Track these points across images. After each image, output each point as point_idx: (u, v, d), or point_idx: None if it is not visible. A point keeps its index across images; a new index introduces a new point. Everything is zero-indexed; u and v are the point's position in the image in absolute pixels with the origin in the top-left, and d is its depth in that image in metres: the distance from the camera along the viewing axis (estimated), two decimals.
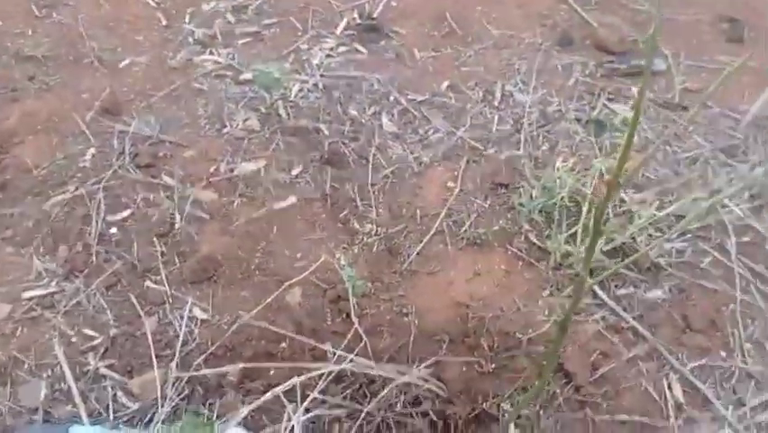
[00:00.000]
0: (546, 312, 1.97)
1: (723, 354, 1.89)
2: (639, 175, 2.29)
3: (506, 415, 1.81)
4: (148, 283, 1.98)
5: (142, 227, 2.10)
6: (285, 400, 1.61)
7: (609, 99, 2.59)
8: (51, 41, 2.72)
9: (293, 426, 1.56)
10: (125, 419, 1.71)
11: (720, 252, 2.10)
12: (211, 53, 2.71)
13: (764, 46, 2.84)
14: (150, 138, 2.35)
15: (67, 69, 2.61)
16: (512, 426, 1.79)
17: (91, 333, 1.87)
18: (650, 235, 2.10)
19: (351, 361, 1.79)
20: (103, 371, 1.80)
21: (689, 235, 2.12)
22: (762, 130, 2.48)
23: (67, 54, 2.67)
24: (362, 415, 1.78)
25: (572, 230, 2.09)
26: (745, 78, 2.68)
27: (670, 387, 1.82)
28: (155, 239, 2.08)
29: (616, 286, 2.04)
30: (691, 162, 2.36)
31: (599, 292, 2.01)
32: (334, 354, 1.85)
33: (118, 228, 2.10)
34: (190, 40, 2.76)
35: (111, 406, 1.74)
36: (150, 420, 1.70)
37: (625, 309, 1.97)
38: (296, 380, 1.67)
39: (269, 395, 1.65)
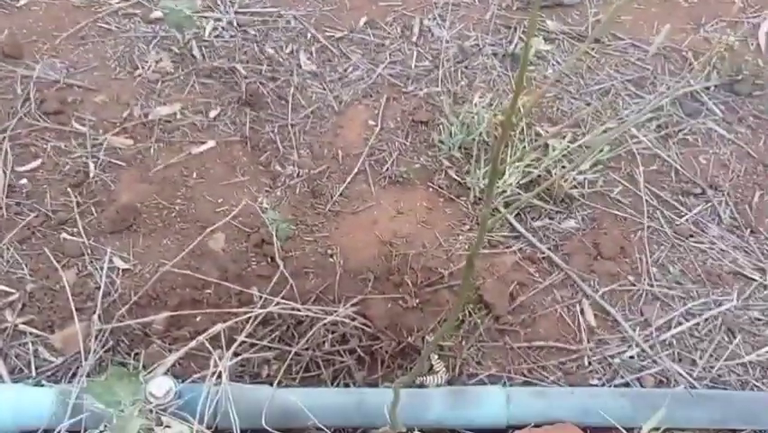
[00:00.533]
0: (467, 246, 2.03)
1: (631, 278, 1.99)
2: (554, 108, 2.35)
3: (429, 346, 1.87)
4: (64, 235, 1.93)
5: (54, 177, 2.04)
6: (211, 346, 1.63)
7: (525, 33, 2.62)
8: None
9: (220, 371, 1.58)
10: (48, 374, 1.69)
11: (629, 181, 2.19)
12: None
13: None
14: (56, 83, 2.25)
15: None
16: (435, 356, 1.86)
17: (7, 289, 1.82)
18: (564, 167, 2.17)
19: (277, 304, 1.81)
20: (22, 327, 1.76)
21: (600, 166, 2.19)
22: (668, 61, 2.56)
23: None
24: (291, 355, 1.81)
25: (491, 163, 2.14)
26: (654, 9, 2.75)
27: (582, 312, 1.92)
28: (69, 189, 2.02)
29: (532, 218, 2.11)
30: (603, 94, 2.43)
31: (516, 225, 2.08)
32: (261, 297, 1.87)
33: (29, 179, 2.02)
34: None
35: (33, 362, 1.71)
36: (75, 375, 1.69)
37: (540, 240, 2.05)
38: (221, 326, 1.69)
39: (194, 343, 1.67)
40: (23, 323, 1.76)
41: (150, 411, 1.46)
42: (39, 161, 2.06)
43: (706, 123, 2.36)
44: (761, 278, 2.01)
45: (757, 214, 2.16)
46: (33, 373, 1.69)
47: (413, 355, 1.87)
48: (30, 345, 1.73)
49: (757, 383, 1.82)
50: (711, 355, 1.86)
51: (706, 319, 1.92)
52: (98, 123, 2.17)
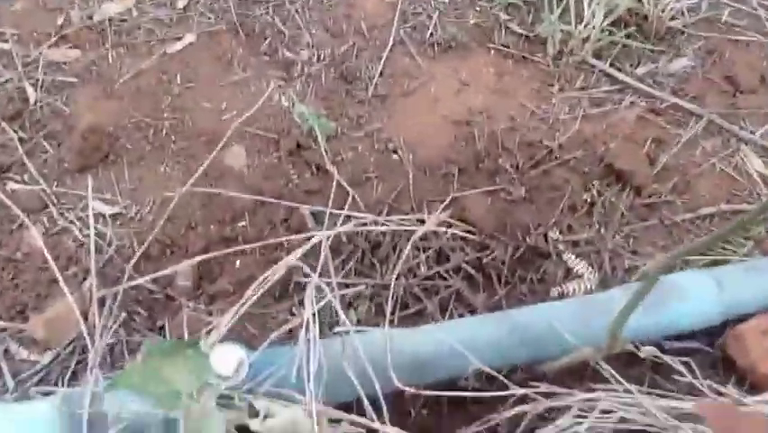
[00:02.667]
0: (567, 109, 1.52)
1: None
2: None
3: (558, 245, 1.36)
4: (12, 186, 1.32)
5: None
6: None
7: None
8: None
9: (307, 321, 1.01)
10: (35, 380, 1.10)
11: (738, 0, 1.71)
12: None
13: None
14: None
15: None
16: (571, 256, 1.35)
17: None
18: None
19: (346, 219, 1.24)
20: None
21: None
22: None
23: None
24: (377, 291, 1.27)
25: (562, 6, 1.61)
26: None
27: (745, 160, 1.43)
28: (5, 125, 1.39)
29: (631, 66, 1.61)
30: None
31: (618, 75, 1.57)
32: (315, 218, 1.31)
33: None
34: None
35: (4, 368, 1.11)
36: (76, 373, 1.10)
37: (653, 87, 1.55)
38: (285, 261, 1.12)
39: (252, 293, 1.08)
40: None
41: (226, 398, 0.89)
42: None
43: None
44: None
45: None
46: (10, 384, 1.08)
47: (536, 260, 1.35)
48: None
49: None
50: None
51: None
52: (25, 36, 1.54)
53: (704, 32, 1.65)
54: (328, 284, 1.11)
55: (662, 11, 1.64)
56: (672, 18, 1.65)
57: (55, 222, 1.26)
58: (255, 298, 1.03)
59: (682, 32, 1.64)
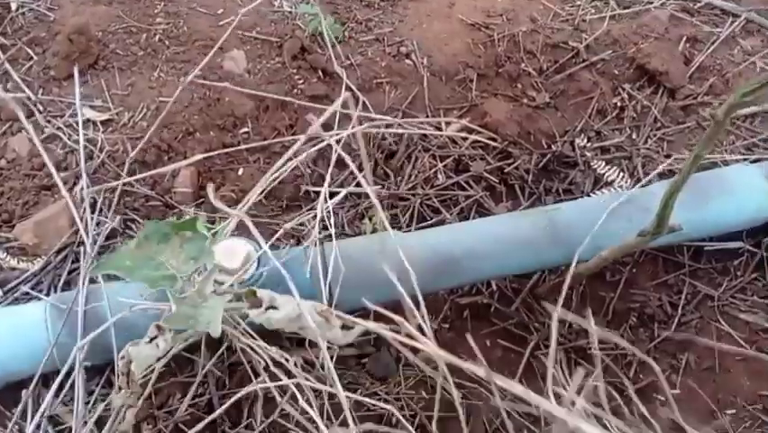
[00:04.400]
0: (594, 10, 1.40)
1: None
2: None
3: (585, 152, 1.25)
4: None
5: None
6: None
7: None
8: None
9: (321, 221, 0.92)
10: (28, 287, 1.00)
11: None
12: None
13: None
14: None
15: None
16: (601, 162, 1.24)
17: None
18: None
19: (358, 123, 1.14)
20: None
21: None
22: None
23: None
24: (393, 202, 1.17)
25: None
26: None
27: None
28: None
29: None
30: None
31: None
32: (326, 122, 1.21)
33: None
34: None
35: None
36: (69, 283, 1.00)
37: None
38: (294, 161, 1.01)
39: (266, 184, 0.98)
40: None
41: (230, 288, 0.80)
42: None
43: None
44: None
45: None
46: None
47: (562, 170, 1.25)
48: None
49: None
50: None
51: None
52: None
53: None
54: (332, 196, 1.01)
55: None
56: None
57: (42, 129, 1.16)
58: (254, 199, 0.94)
59: None
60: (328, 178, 0.92)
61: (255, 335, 0.84)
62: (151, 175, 1.07)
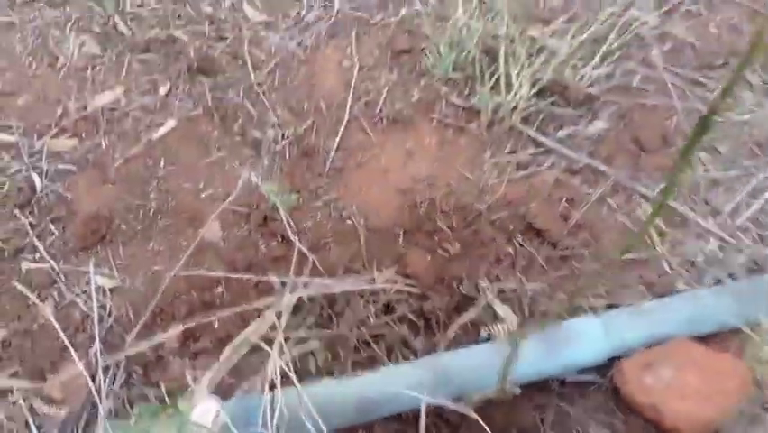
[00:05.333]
0: (496, 174, 1.77)
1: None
2: (542, 7, 2.10)
3: (487, 293, 1.61)
4: (26, 265, 1.57)
5: None
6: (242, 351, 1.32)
7: None
8: None
9: (272, 375, 1.27)
10: (55, 431, 1.35)
11: (647, 66, 1.96)
12: None
13: None
14: None
15: None
16: (497, 302, 1.60)
17: None
18: (574, 67, 1.92)
19: (305, 285, 1.50)
20: (4, 383, 1.41)
21: (611, 58, 1.95)
22: None
23: None
24: (334, 340, 1.52)
25: (494, 80, 1.87)
26: None
27: (643, 214, 1.69)
28: (16, 211, 1.65)
29: (555, 129, 1.86)
30: None
31: (542, 138, 1.82)
32: (283, 283, 1.56)
33: None
34: None
35: (31, 421, 1.37)
36: (89, 425, 1.36)
37: (572, 150, 1.81)
38: (253, 326, 1.37)
39: (230, 353, 1.34)
40: (7, 377, 1.41)
41: None
42: None
43: None
44: None
45: None
46: None
47: (469, 307, 1.60)
48: (21, 401, 1.38)
49: None
50: None
51: None
52: (29, 128, 1.80)
53: (617, 97, 1.90)
54: (287, 340, 1.37)
55: (581, 79, 1.90)
56: (590, 85, 1.90)
57: (63, 296, 1.52)
58: (229, 365, 1.29)
59: (598, 98, 1.89)
60: (280, 336, 1.27)
61: None
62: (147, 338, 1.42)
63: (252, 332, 1.30)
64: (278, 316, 1.45)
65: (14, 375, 1.41)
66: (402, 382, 1.35)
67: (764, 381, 1.41)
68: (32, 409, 1.37)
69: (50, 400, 1.37)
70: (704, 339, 1.46)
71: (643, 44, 2.00)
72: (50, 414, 1.36)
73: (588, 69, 1.91)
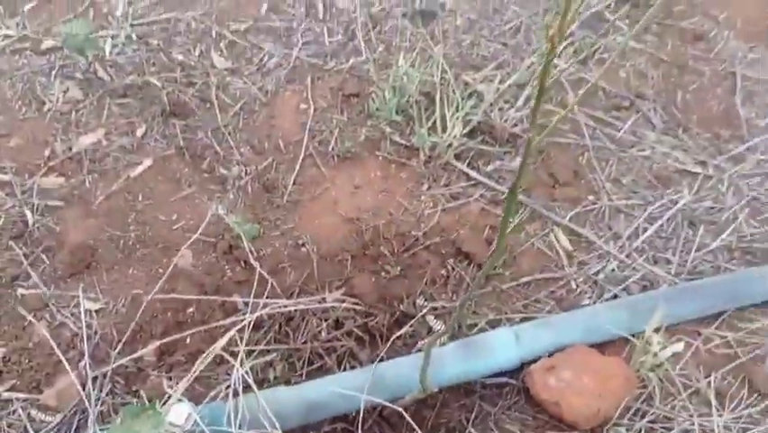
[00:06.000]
0: (432, 205, 2.04)
1: (591, 198, 2.07)
2: (474, 55, 2.38)
3: (423, 310, 1.88)
4: (21, 291, 1.81)
5: None
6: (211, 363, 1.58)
7: None
8: None
9: (235, 383, 1.53)
10: None
11: (564, 108, 2.26)
12: None
13: None
14: None
15: None
16: (432, 317, 1.87)
17: None
18: (500, 109, 2.21)
19: (264, 305, 1.76)
20: (6, 395, 1.65)
21: (533, 100, 2.24)
22: None
23: None
24: (291, 353, 1.78)
25: (432, 121, 2.15)
26: None
27: (557, 240, 1.98)
28: (11, 243, 1.88)
29: (484, 164, 2.14)
30: (515, 32, 2.48)
31: (472, 173, 2.10)
32: (246, 303, 1.82)
33: None
34: None
35: (29, 427, 1.60)
36: (79, 429, 1.60)
37: (498, 182, 2.09)
38: (221, 341, 1.63)
39: (200, 366, 1.60)
40: (7, 390, 1.65)
41: None
42: None
43: (616, 38, 2.45)
44: (703, 170, 2.13)
45: (684, 112, 2.28)
46: None
47: (408, 322, 1.87)
48: (20, 411, 1.62)
49: (728, 265, 1.94)
50: (682, 251, 1.96)
51: (668, 219, 2.02)
52: (21, 167, 2.03)
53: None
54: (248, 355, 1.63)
55: (506, 120, 2.18)
56: (514, 125, 2.19)
57: (55, 317, 1.76)
58: (197, 373, 1.55)
59: (521, 137, 2.18)
60: (243, 350, 1.53)
61: None
62: (128, 353, 1.67)
63: (220, 347, 1.56)
64: (242, 332, 1.71)
65: (13, 388, 1.65)
66: (345, 386, 1.62)
67: (648, 380, 1.70)
68: (29, 417, 1.61)
69: (45, 408, 1.62)
70: (600, 346, 1.75)
71: (561, 88, 2.29)
72: (46, 421, 1.60)
73: (512, 111, 2.20)
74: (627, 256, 1.94)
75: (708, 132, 2.23)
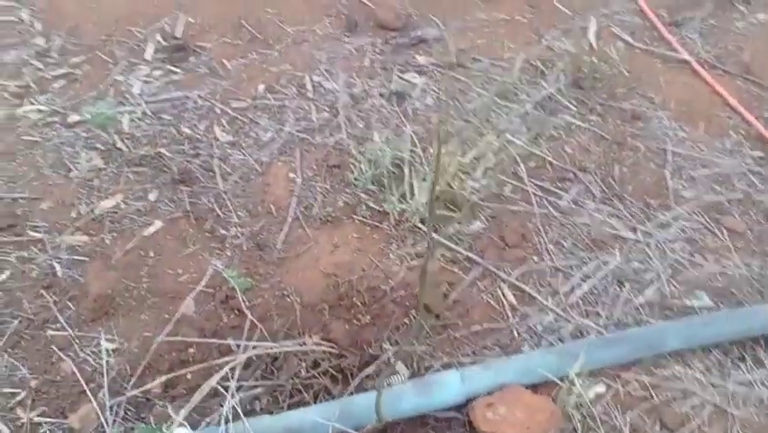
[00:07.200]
0: (398, 262, 2.40)
1: (535, 258, 2.43)
2: (443, 131, 2.77)
3: (388, 353, 2.23)
4: (50, 332, 2.16)
5: (26, 284, 2.25)
6: (208, 396, 1.92)
7: (401, 71, 3.03)
8: None
9: (226, 413, 1.87)
10: None
11: (516, 179, 2.63)
12: (31, 103, 2.80)
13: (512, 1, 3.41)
14: (1, 199, 2.46)
15: None
16: (394, 360, 2.21)
17: (12, 390, 2.03)
18: (461, 180, 2.58)
19: (253, 347, 2.11)
20: (36, 420, 1.98)
21: (490, 172, 2.62)
22: (524, 72, 3.04)
23: None
24: (275, 388, 2.12)
25: (401, 190, 2.52)
26: (502, 30, 3.24)
27: (504, 295, 2.33)
28: (42, 291, 2.24)
29: (445, 227, 2.50)
30: (478, 111, 2.87)
31: (434, 235, 2.47)
32: (238, 346, 2.17)
33: (3, 291, 2.23)
34: (5, 94, 2.82)
35: None
36: None
37: (456, 243, 2.45)
38: (215, 377, 1.97)
39: (198, 397, 1.94)
40: (38, 415, 1.98)
41: None
42: (7, 273, 2.27)
43: (564, 117, 2.84)
44: (634, 236, 2.50)
45: (621, 184, 2.65)
46: None
47: (375, 364, 2.21)
48: (48, 432, 1.96)
49: (648, 318, 2.28)
50: (610, 306, 2.31)
51: (600, 279, 2.37)
52: (51, 227, 2.40)
53: (491, 202, 2.56)
54: (239, 389, 1.98)
55: (465, 190, 2.55)
56: (472, 193, 2.56)
57: (78, 355, 2.11)
58: (195, 403, 1.89)
59: (478, 204, 2.55)
60: (234, 382, 1.87)
61: None
62: (139, 386, 2.01)
63: (215, 381, 1.91)
64: (234, 370, 2.06)
65: (43, 414, 1.99)
66: (318, 416, 1.96)
67: (572, 417, 2.04)
68: None
69: (70, 431, 1.95)
70: (534, 387, 2.08)
71: (514, 162, 2.67)
72: None
73: (471, 182, 2.57)
74: (563, 310, 2.29)
75: (640, 201, 2.60)
